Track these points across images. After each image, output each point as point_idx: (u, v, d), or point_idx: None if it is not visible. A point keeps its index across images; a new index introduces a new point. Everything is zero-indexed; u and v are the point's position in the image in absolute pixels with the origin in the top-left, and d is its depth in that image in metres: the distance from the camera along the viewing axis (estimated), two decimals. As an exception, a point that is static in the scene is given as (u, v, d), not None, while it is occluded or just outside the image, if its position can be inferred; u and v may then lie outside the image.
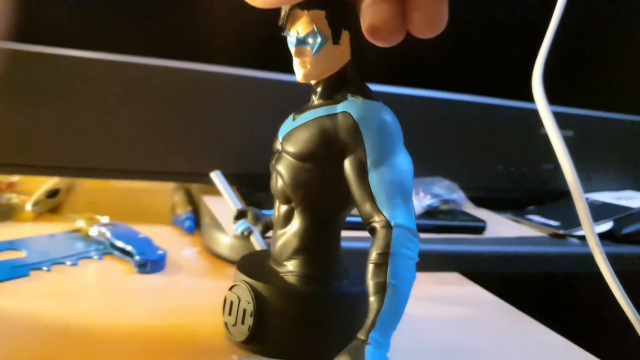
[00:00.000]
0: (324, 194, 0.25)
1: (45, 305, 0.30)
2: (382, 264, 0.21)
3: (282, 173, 0.26)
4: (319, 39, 0.24)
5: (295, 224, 0.26)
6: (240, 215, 0.37)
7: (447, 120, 0.59)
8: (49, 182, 0.49)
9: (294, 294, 0.25)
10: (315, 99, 0.26)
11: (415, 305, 0.35)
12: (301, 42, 0.24)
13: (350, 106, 0.24)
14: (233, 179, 0.41)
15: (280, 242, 0.27)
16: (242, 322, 0.26)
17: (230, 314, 0.26)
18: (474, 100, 0.59)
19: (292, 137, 0.25)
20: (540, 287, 0.61)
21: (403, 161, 0.24)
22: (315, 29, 0.24)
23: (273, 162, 0.27)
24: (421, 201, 0.51)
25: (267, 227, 0.36)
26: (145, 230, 0.41)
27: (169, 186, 0.59)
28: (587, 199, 0.61)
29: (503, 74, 0.60)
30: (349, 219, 0.27)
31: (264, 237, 0.36)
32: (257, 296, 0.25)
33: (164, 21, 0.49)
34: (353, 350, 0.20)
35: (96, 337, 0.27)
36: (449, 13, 0.22)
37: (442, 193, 0.53)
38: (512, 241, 0.50)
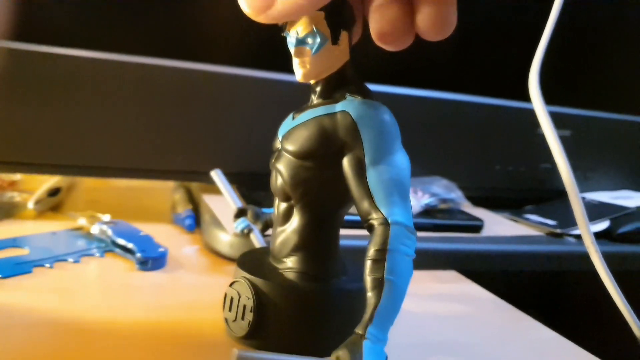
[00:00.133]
0: (323, 191, 0.26)
1: (48, 301, 0.30)
2: (379, 260, 0.22)
3: (281, 171, 0.26)
4: (318, 39, 0.24)
5: (295, 221, 0.27)
6: (240, 213, 0.37)
7: (445, 120, 0.59)
8: (51, 181, 0.50)
9: (293, 290, 0.26)
10: (314, 98, 0.26)
11: (413, 302, 0.36)
12: (301, 42, 0.24)
13: (349, 105, 0.24)
14: (233, 178, 0.41)
15: (279, 239, 0.27)
16: (242, 318, 0.26)
17: (230, 309, 0.27)
18: (472, 100, 0.60)
19: (292, 135, 0.26)
20: (537, 285, 0.61)
21: (401, 160, 0.24)
22: (315, 30, 0.24)
23: (273, 160, 0.27)
24: (419, 200, 0.52)
25: (267, 225, 0.36)
26: (145, 228, 0.42)
27: (169, 185, 0.59)
28: (584, 198, 0.61)
29: (502, 74, 0.60)
30: (347, 217, 0.28)
31: (264, 235, 0.37)
32: (257, 292, 0.26)
33: (165, 21, 0.49)
34: (351, 345, 0.21)
35: (98, 332, 0.27)
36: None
37: (441, 192, 0.53)
38: (509, 240, 0.50)
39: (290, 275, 0.27)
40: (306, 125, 0.25)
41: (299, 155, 0.25)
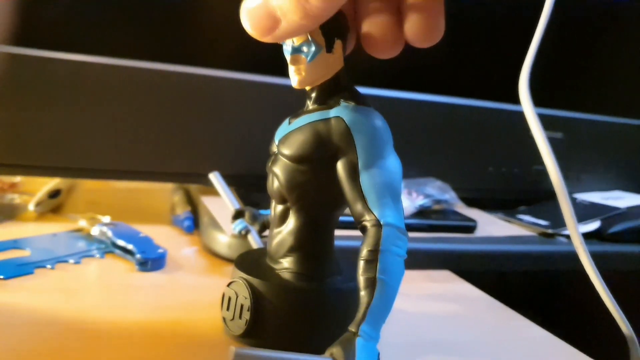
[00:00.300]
0: (318, 194, 0.26)
1: (50, 301, 0.31)
2: (372, 260, 0.22)
3: (278, 174, 0.27)
4: (313, 48, 0.25)
5: (291, 223, 0.28)
6: (238, 214, 0.38)
7: (439, 122, 0.60)
8: (51, 183, 0.50)
9: (289, 290, 0.27)
10: (309, 104, 0.27)
11: (406, 301, 0.37)
12: (296, 50, 0.25)
13: (342, 111, 0.25)
14: (231, 180, 0.42)
15: (276, 240, 0.28)
16: (240, 317, 0.27)
17: (228, 309, 0.27)
18: (465, 103, 0.61)
19: (288, 140, 0.27)
20: (530, 285, 0.62)
21: (392, 163, 0.25)
22: (310, 39, 0.25)
23: (269, 164, 0.28)
24: (414, 201, 0.52)
25: (264, 226, 0.37)
26: (145, 229, 0.42)
27: (168, 187, 0.60)
28: (575, 199, 0.62)
29: (495, 77, 0.61)
30: (341, 218, 0.29)
31: (261, 236, 0.37)
32: (254, 292, 0.26)
33: (163, 26, 0.50)
34: (344, 342, 0.21)
35: (99, 331, 0.28)
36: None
37: (434, 193, 0.54)
38: (501, 240, 0.51)
39: (287, 275, 0.27)
40: (302, 130, 0.26)
41: (295, 159, 0.26)
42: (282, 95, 0.44)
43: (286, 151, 0.26)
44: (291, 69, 0.26)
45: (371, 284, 0.22)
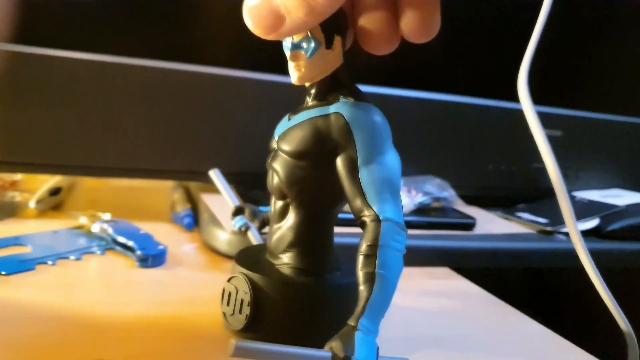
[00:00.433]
0: (318, 190, 0.27)
1: (51, 297, 0.31)
2: (371, 255, 0.23)
3: (278, 170, 0.27)
4: (312, 44, 0.25)
5: (291, 218, 0.28)
6: (237, 211, 0.38)
7: (438, 120, 0.60)
8: (52, 180, 0.50)
9: (288, 285, 0.27)
10: (309, 100, 0.27)
11: (405, 297, 0.37)
12: (296, 46, 0.25)
13: (342, 107, 0.25)
14: (231, 177, 0.42)
15: (276, 236, 0.28)
16: (240, 312, 0.27)
17: (228, 304, 0.28)
18: (465, 101, 0.61)
19: (288, 136, 0.27)
20: (528, 281, 0.62)
21: (392, 159, 0.25)
22: (310, 35, 0.25)
23: (269, 160, 0.28)
24: (413, 199, 0.53)
25: (264, 223, 0.37)
26: (145, 227, 0.43)
27: (168, 184, 0.60)
28: (574, 196, 0.62)
29: (494, 75, 0.61)
30: (341, 215, 0.29)
31: (261, 233, 0.37)
32: (254, 287, 0.27)
33: (163, 24, 0.50)
34: (344, 336, 0.22)
35: (100, 326, 0.28)
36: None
37: (434, 191, 0.54)
38: (500, 237, 0.51)
39: (286, 270, 0.28)
40: (301, 126, 0.26)
41: (295, 155, 0.26)
42: (282, 92, 0.44)
43: (286, 147, 0.27)
44: (291, 65, 0.26)
45: (370, 278, 0.22)
